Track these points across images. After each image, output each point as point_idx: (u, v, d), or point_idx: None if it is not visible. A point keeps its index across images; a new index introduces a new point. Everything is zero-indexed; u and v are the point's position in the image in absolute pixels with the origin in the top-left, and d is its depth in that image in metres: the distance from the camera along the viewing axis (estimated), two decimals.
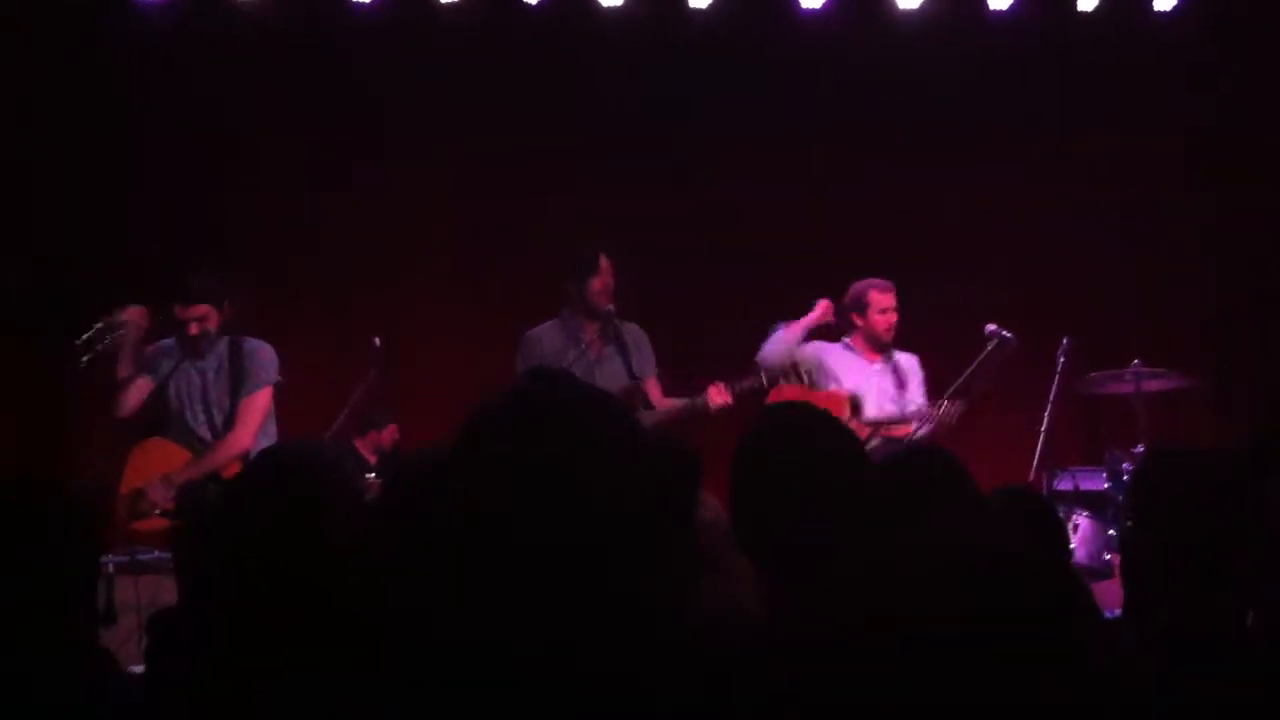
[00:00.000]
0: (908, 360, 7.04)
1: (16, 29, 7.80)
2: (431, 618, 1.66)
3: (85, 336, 6.14)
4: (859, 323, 6.98)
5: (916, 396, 6.97)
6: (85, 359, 6.13)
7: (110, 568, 5.86)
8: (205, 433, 6.37)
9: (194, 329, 6.29)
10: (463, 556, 1.65)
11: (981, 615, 1.41)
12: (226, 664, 2.13)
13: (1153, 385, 6.92)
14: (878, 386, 6.92)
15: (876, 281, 6.97)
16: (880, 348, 6.97)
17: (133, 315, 6.21)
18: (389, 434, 8.40)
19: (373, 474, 7.14)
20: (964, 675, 1.41)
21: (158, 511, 6.11)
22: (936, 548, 1.46)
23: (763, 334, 6.85)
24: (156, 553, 6.15)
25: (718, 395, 6.57)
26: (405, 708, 1.65)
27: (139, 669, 2.93)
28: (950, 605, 1.44)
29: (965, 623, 1.41)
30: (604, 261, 6.79)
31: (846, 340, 7.01)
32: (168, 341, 6.39)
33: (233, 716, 2.10)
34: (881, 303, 6.92)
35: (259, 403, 6.38)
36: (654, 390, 6.78)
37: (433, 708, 1.62)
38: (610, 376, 6.75)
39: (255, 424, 6.33)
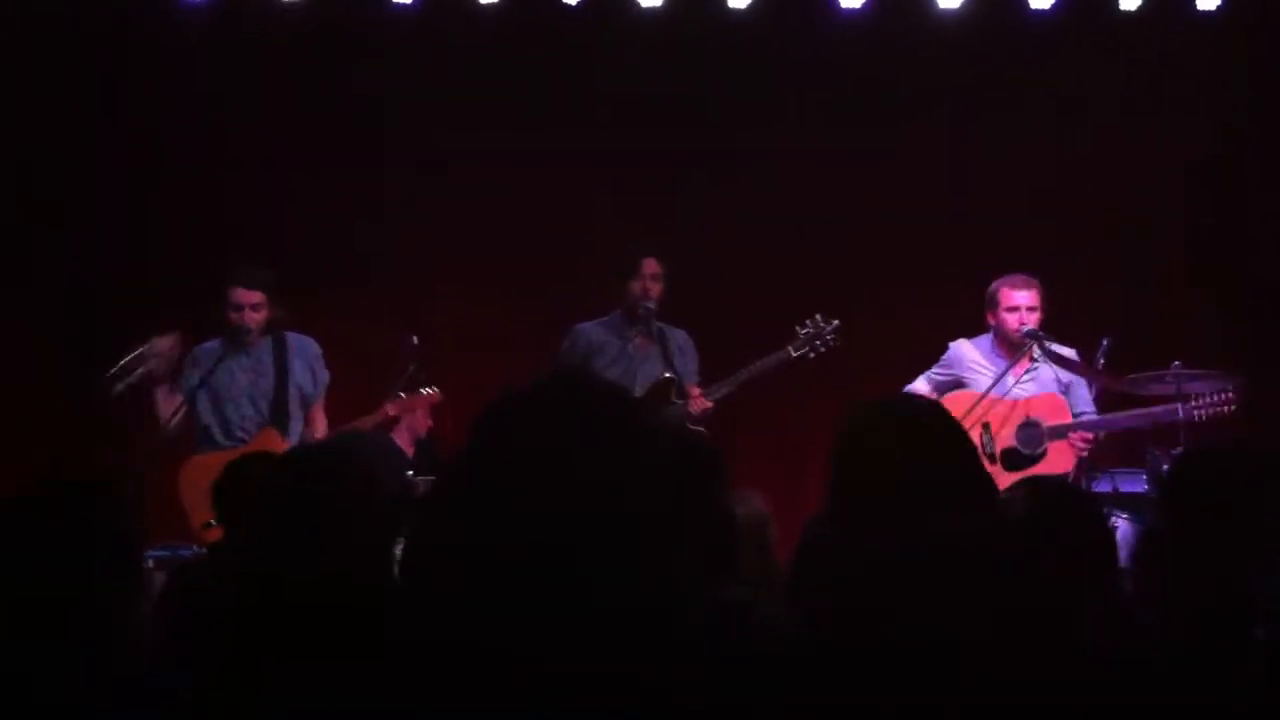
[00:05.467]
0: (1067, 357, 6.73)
1: (47, 28, 7.84)
2: (434, 618, 1.65)
3: (120, 365, 6.20)
4: (992, 321, 6.81)
5: (1082, 403, 6.74)
6: (120, 389, 6.19)
7: (150, 563, 5.90)
8: (248, 425, 6.41)
9: (247, 315, 6.36)
10: (467, 557, 1.64)
11: (990, 611, 1.40)
12: (235, 658, 2.14)
13: (1193, 387, 6.85)
14: (1021, 391, 6.64)
15: (1010, 278, 6.77)
16: (1015, 348, 6.69)
17: (163, 346, 6.26)
18: (423, 422, 8.34)
19: (411, 470, 7.15)
20: (977, 673, 1.41)
21: None
22: (941, 544, 1.45)
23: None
24: (195, 548, 6.19)
25: (698, 403, 6.72)
26: (411, 709, 1.64)
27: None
28: (960, 601, 1.43)
29: (974, 620, 1.40)
30: (646, 265, 6.84)
31: (990, 339, 6.85)
32: (209, 344, 6.44)
33: (238, 711, 2.10)
34: (1010, 300, 6.70)
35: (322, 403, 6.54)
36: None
37: (436, 711, 1.62)
38: (649, 377, 6.79)
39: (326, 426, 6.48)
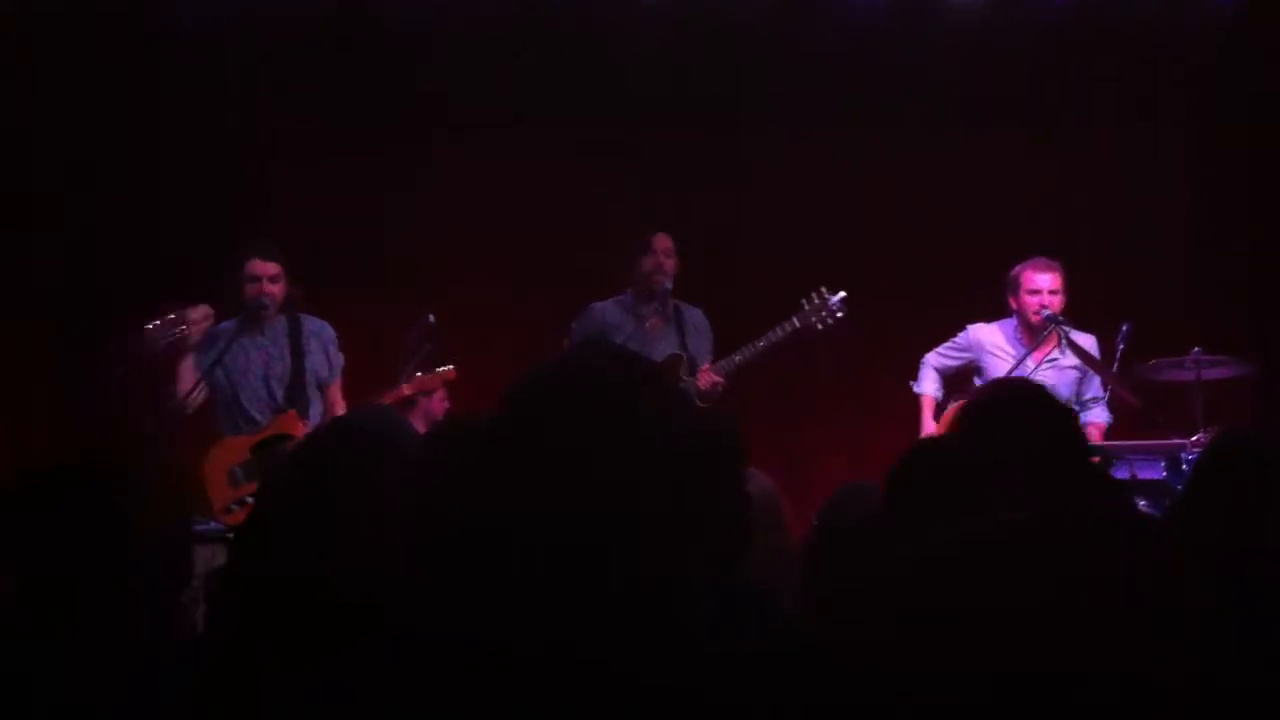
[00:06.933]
0: (1086, 344, 6.70)
1: (57, 19, 7.84)
2: (439, 613, 1.63)
3: (156, 323, 6.15)
4: (1014, 305, 6.79)
5: (1094, 389, 6.75)
6: (162, 343, 6.16)
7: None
8: (263, 409, 6.39)
9: (265, 287, 6.31)
10: (477, 551, 1.62)
11: (1016, 608, 1.38)
12: (239, 651, 2.11)
13: (1213, 373, 6.82)
14: (1039, 377, 6.48)
15: (1032, 260, 6.75)
16: (1035, 332, 6.67)
17: (200, 314, 6.23)
18: (439, 404, 8.34)
19: None
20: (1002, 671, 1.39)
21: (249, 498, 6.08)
22: (973, 539, 1.43)
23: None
24: (213, 523, 6.19)
25: (706, 378, 6.72)
26: (416, 705, 1.62)
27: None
28: (990, 598, 1.41)
29: (1006, 614, 1.38)
30: (658, 241, 6.83)
31: (1013, 323, 6.83)
32: (224, 324, 6.42)
33: (239, 706, 2.08)
34: (1031, 283, 6.68)
35: (339, 385, 6.53)
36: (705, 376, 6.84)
37: (441, 708, 1.60)
38: (662, 355, 6.78)
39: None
